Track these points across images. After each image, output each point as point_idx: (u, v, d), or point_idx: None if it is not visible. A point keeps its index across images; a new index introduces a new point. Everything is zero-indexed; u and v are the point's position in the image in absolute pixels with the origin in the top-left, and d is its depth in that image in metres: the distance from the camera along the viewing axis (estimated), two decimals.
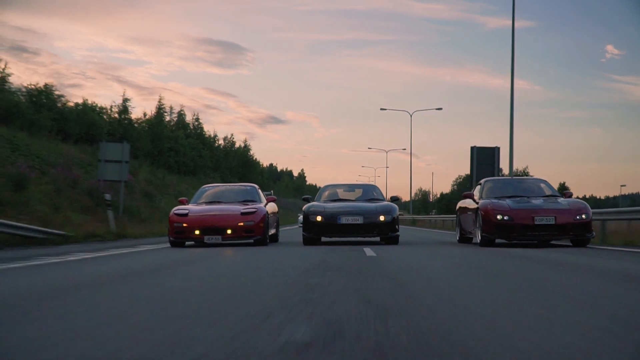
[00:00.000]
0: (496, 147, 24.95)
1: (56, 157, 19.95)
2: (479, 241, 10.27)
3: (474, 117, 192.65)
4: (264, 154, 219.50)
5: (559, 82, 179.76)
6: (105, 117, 31.68)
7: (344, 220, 10.81)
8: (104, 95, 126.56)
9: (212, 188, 12.65)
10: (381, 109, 46.34)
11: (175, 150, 39.19)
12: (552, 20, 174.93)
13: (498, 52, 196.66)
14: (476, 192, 11.51)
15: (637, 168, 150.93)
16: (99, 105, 32.04)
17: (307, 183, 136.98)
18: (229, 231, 10.53)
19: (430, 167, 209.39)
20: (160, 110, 39.69)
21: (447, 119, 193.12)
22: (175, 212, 10.80)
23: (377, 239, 12.06)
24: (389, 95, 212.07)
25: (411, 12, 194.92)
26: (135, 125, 35.21)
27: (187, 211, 10.76)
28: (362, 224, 10.79)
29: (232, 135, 62.83)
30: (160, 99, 41.35)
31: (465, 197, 11.75)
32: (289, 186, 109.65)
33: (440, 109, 50.94)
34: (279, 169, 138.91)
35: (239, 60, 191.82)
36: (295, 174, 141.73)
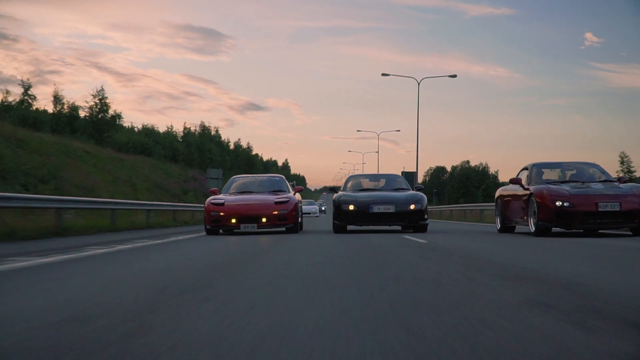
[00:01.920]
0: (414, 172, 38.96)
1: (191, 176, 39.56)
2: (532, 230, 9.54)
3: (454, 104, 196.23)
4: (244, 141, 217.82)
5: (539, 70, 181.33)
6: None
7: (376, 209, 11.02)
8: (82, 82, 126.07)
9: (241, 179, 13.19)
10: (358, 130, 53.69)
11: (210, 157, 58.51)
12: (531, 8, 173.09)
13: (479, 40, 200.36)
14: (523, 177, 10.80)
15: (617, 156, 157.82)
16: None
17: (292, 172, 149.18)
18: (263, 219, 11.08)
19: (410, 154, 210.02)
20: (203, 129, 59.49)
21: (428, 106, 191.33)
22: (212, 201, 11.30)
23: (398, 227, 12.69)
24: (371, 84, 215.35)
25: (394, 0, 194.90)
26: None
27: (223, 201, 11.27)
28: (394, 213, 11.01)
29: (239, 139, 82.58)
30: (203, 123, 61.38)
31: (513, 182, 10.74)
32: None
33: (398, 130, 50.21)
34: (264, 159, 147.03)
35: (220, 46, 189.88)
36: (280, 163, 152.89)
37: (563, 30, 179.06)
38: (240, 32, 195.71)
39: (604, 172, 10.66)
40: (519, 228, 11.44)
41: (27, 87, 36.06)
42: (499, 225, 11.66)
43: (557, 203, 9.12)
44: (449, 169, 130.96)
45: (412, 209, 11.08)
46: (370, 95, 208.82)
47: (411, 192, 11.93)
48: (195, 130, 59.23)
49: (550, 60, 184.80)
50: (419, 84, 35.80)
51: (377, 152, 60.54)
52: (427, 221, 11.43)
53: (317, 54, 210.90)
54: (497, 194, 12.05)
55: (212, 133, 65.69)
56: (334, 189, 13.13)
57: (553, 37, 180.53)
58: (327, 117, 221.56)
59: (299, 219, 12.15)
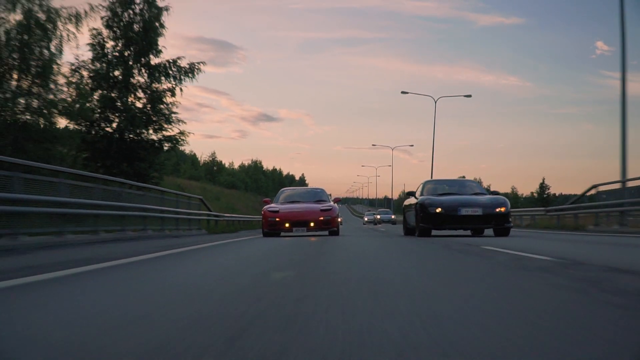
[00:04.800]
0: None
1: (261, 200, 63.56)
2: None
3: (467, 113, 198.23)
4: (256, 153, 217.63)
5: (550, 78, 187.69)
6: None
7: (464, 211, 11.19)
8: None
9: (289, 190, 15.42)
10: (373, 145, 52.20)
11: (259, 184, 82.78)
12: (542, 18, 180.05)
13: (490, 49, 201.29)
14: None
15: (631, 163, 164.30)
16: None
17: (309, 186, 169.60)
18: (312, 224, 13.02)
19: (423, 163, 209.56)
20: (256, 163, 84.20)
21: (440, 115, 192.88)
22: (268, 209, 13.30)
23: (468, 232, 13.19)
24: (383, 93, 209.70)
25: (403, 10, 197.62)
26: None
27: (277, 209, 13.29)
28: (481, 216, 11.20)
29: (274, 167, 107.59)
30: (256, 160, 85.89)
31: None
32: None
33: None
34: (284, 174, 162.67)
35: (231, 58, 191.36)
36: (297, 177, 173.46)
37: (574, 39, 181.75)
38: (252, 43, 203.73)
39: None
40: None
41: None
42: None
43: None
44: None
45: (498, 212, 11.23)
46: (383, 105, 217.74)
47: (493, 195, 12.13)
48: (249, 164, 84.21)
49: (561, 68, 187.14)
50: (435, 102, 37.33)
51: (391, 165, 67.75)
52: (512, 224, 11.77)
53: (328, 65, 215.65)
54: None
55: (259, 164, 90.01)
56: (410, 193, 13.25)
57: (564, 46, 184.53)
58: (339, 127, 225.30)
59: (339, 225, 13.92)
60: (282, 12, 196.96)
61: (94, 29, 22.08)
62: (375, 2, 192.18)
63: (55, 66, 17.19)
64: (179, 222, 15.87)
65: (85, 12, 18.91)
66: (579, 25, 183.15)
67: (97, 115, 21.84)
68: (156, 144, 23.09)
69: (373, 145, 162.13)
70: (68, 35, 17.65)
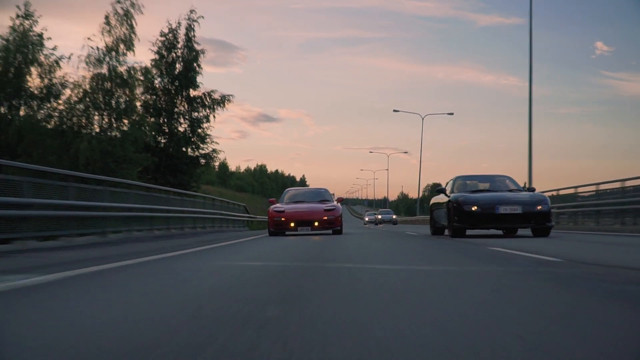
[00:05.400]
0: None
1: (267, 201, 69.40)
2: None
3: (467, 113, 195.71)
4: (256, 153, 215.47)
5: (550, 78, 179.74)
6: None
7: (502, 209, 10.34)
8: None
9: (293, 190, 15.88)
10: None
11: (264, 186, 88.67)
12: (542, 18, 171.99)
13: (490, 49, 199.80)
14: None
15: (631, 163, 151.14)
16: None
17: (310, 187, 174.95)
18: (316, 223, 13.37)
19: (424, 163, 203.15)
20: (261, 167, 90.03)
21: (441, 117, 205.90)
22: (274, 209, 13.69)
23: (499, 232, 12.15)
24: (383, 93, 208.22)
25: (403, 10, 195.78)
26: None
27: (283, 209, 13.63)
28: (521, 214, 10.38)
29: (276, 169, 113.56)
30: (261, 164, 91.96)
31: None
32: None
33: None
34: (285, 175, 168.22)
35: (231, 58, 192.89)
36: (297, 178, 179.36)
37: (574, 39, 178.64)
38: (252, 43, 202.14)
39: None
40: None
41: None
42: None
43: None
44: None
45: (538, 210, 10.41)
46: (383, 105, 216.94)
47: (532, 192, 11.34)
48: (255, 168, 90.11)
49: (561, 69, 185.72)
50: (423, 119, 44.77)
51: (387, 169, 78.16)
52: (553, 224, 10.88)
53: (328, 65, 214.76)
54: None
55: (264, 168, 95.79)
56: (440, 190, 12.31)
57: (564, 46, 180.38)
58: (339, 127, 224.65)
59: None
60: (282, 12, 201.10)
61: (145, 67, 27.74)
62: (376, 2, 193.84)
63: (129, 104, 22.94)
64: (236, 222, 22.16)
65: (150, 65, 24.66)
66: (578, 25, 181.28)
67: (149, 138, 27.61)
68: (194, 160, 28.92)
69: (370, 151, 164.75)
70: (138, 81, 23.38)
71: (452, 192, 11.59)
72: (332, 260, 5.41)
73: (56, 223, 8.90)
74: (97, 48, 22.22)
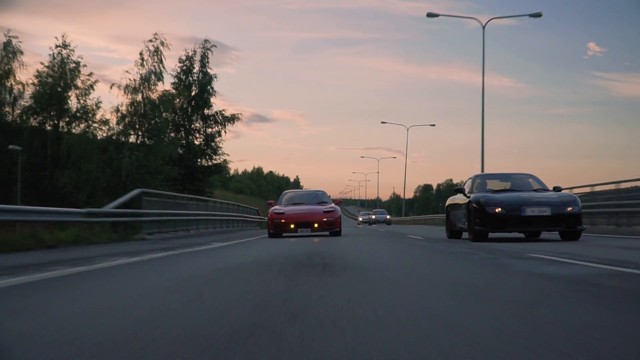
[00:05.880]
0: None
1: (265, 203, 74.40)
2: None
3: (460, 113, 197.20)
4: (249, 153, 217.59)
5: (543, 79, 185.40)
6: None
7: (529, 211, 9.44)
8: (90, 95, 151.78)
9: (291, 192, 16.33)
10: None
11: (261, 188, 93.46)
12: (535, 18, 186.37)
13: (482, 50, 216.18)
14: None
15: (623, 163, 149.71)
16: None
17: (304, 189, 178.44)
18: (316, 225, 13.61)
19: (416, 164, 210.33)
20: (258, 169, 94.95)
21: (434, 117, 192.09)
22: (274, 211, 13.92)
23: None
24: (376, 94, 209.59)
25: (397, 11, 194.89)
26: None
27: (283, 211, 13.85)
28: (550, 216, 9.47)
29: (270, 170, 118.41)
30: (258, 167, 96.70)
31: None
32: None
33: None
34: (279, 175, 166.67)
35: (224, 58, 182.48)
36: (291, 179, 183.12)
37: (566, 40, 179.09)
38: (245, 43, 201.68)
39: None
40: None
41: None
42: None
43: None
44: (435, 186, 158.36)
45: (568, 212, 9.53)
46: (376, 105, 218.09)
47: (559, 192, 10.40)
48: (252, 170, 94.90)
49: (554, 69, 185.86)
50: (407, 130, 50.90)
51: (378, 172, 79.58)
52: (584, 226, 9.98)
53: (321, 65, 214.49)
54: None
55: (260, 171, 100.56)
56: (458, 190, 11.38)
57: (556, 47, 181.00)
58: (333, 128, 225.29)
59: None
60: (276, 13, 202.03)
61: (166, 90, 32.44)
62: (369, 3, 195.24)
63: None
64: (252, 223, 27.22)
65: (175, 93, 29.52)
66: (571, 26, 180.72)
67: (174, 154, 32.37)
68: (208, 169, 33.70)
69: (362, 156, 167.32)
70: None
71: (471, 192, 10.78)
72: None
73: (166, 224, 14.16)
74: (134, 80, 27.02)
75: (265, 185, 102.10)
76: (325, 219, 13.71)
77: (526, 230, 10.41)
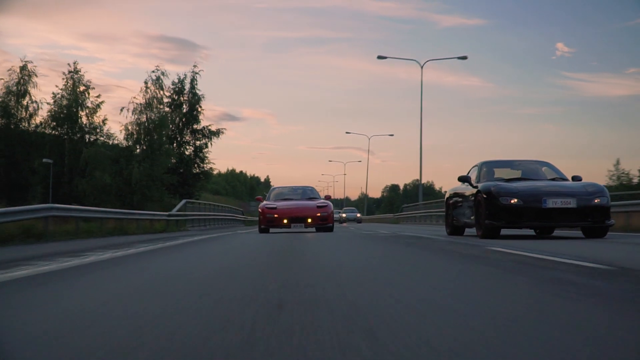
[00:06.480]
0: None
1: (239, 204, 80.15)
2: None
3: (428, 113, 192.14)
4: (219, 152, 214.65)
5: (511, 79, 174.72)
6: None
7: (551, 203, 8.13)
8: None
9: (279, 188, 16.26)
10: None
11: (235, 189, 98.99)
12: (503, 19, 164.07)
13: (452, 50, 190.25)
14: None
15: (589, 164, 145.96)
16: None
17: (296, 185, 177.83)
18: (309, 220, 13.60)
19: (385, 163, 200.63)
20: (232, 171, 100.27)
21: (404, 117, 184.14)
22: (266, 206, 14.03)
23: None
24: (347, 93, 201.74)
25: (367, 10, 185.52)
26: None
27: (275, 206, 13.97)
28: (575, 209, 8.17)
29: (241, 170, 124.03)
30: (232, 168, 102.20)
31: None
32: (264, 192, 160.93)
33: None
34: (250, 175, 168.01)
35: (194, 57, 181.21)
36: (252, 173, 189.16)
37: (534, 40, 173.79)
38: (215, 42, 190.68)
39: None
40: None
41: None
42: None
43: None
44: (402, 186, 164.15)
45: (596, 204, 8.27)
46: (347, 105, 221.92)
47: (581, 181, 9.05)
48: (226, 171, 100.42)
49: (522, 69, 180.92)
50: (369, 139, 65.62)
51: (344, 174, 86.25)
52: (613, 221, 8.62)
53: (292, 64, 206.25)
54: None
55: (235, 172, 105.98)
56: (463, 179, 9.98)
57: (524, 47, 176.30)
58: (304, 127, 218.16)
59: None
60: (247, 12, 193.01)
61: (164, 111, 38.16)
62: (339, 2, 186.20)
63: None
64: (239, 221, 33.35)
65: (170, 112, 35.47)
66: (539, 26, 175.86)
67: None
68: (197, 176, 39.67)
69: (330, 160, 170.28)
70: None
71: (478, 181, 9.58)
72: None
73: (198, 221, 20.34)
74: (140, 103, 32.98)
75: (239, 186, 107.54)
76: (318, 214, 13.81)
77: (546, 226, 9.05)
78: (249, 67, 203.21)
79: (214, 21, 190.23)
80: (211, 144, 40.04)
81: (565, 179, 9.44)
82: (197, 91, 39.88)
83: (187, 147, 39.67)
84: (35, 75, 35.63)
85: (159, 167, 32.62)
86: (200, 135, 39.79)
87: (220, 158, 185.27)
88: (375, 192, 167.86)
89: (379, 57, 31.80)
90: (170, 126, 38.44)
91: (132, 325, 2.18)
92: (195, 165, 39.66)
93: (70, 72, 36.01)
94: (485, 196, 8.66)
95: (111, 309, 2.63)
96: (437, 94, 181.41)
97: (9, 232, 10.00)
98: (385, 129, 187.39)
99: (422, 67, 31.34)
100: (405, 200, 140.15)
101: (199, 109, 39.77)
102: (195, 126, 39.67)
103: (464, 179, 10.09)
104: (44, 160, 30.85)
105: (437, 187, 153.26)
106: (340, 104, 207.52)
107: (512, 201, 8.33)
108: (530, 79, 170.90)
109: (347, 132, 54.94)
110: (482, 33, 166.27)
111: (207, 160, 39.96)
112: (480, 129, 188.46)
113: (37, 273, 4.29)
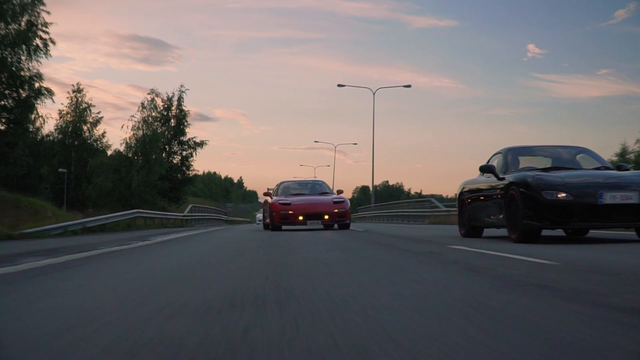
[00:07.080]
0: None
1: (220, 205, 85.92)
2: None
3: (401, 114, 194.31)
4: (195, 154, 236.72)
5: (483, 80, 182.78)
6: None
7: (609, 198, 6.58)
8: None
9: (288, 182, 15.39)
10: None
11: (211, 191, 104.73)
12: (475, 20, 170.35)
13: (424, 51, 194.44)
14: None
15: None
16: None
17: (248, 189, 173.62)
18: (326, 217, 12.86)
19: (358, 164, 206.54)
20: (209, 173, 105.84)
21: (377, 117, 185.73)
22: (279, 202, 13.34)
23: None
24: (319, 94, 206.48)
25: (340, 11, 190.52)
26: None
27: (289, 201, 13.18)
28: (637, 205, 6.62)
29: (214, 171, 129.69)
30: (210, 171, 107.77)
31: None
32: (237, 193, 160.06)
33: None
34: (222, 177, 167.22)
35: (166, 57, 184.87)
36: (225, 175, 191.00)
37: (506, 42, 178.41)
38: (187, 42, 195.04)
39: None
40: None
41: None
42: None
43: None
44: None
45: None
46: (320, 105, 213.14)
47: (630, 171, 7.51)
48: (203, 173, 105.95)
49: (494, 71, 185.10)
50: (335, 148, 72.73)
51: (315, 177, 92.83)
52: None
53: (264, 65, 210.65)
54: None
55: (212, 174, 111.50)
56: (486, 169, 8.25)
57: (496, 49, 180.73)
58: (276, 127, 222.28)
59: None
60: (219, 11, 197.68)
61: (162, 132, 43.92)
62: (312, 3, 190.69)
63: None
64: (221, 221, 39.66)
65: (163, 130, 41.50)
66: (510, 28, 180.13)
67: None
68: (183, 181, 45.64)
69: (300, 164, 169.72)
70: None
71: (505, 171, 7.90)
72: None
73: (200, 221, 26.66)
74: (138, 121, 38.93)
75: (215, 188, 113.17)
76: (336, 210, 12.93)
77: (602, 226, 7.09)
78: (221, 67, 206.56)
79: (186, 21, 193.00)
80: (196, 153, 46.10)
81: (612, 169, 7.72)
82: (184, 107, 45.91)
83: (175, 156, 45.65)
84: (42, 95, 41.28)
85: (153, 174, 38.49)
86: (186, 146, 45.80)
87: (196, 159, 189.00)
88: (347, 193, 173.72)
89: (339, 85, 37.93)
90: (162, 139, 44.38)
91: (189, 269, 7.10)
92: (182, 172, 45.60)
93: (74, 91, 42.08)
94: (523, 190, 6.95)
95: (178, 258, 8.75)
96: (409, 94, 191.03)
97: (119, 224, 18.89)
98: (358, 129, 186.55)
99: (374, 94, 37.66)
100: (375, 201, 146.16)
101: (185, 123, 45.76)
102: (182, 138, 45.65)
103: (487, 169, 8.26)
104: (60, 170, 36.57)
105: (406, 188, 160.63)
106: (313, 104, 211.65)
107: (560, 196, 6.67)
108: (501, 81, 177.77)
109: (315, 141, 60.96)
110: (454, 34, 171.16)
111: (192, 168, 46.01)
112: (452, 130, 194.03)
113: (133, 247, 8.64)
